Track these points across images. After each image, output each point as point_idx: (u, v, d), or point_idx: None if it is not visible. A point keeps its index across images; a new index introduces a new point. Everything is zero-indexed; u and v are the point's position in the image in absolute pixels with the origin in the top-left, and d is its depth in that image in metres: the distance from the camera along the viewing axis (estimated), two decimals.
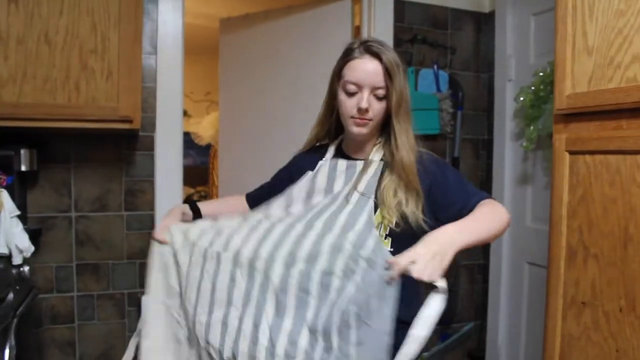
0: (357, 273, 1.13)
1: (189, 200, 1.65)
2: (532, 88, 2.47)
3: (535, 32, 2.64)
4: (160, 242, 1.40)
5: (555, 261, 1.53)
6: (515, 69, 2.76)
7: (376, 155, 1.44)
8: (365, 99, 1.34)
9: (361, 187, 1.36)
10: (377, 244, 1.19)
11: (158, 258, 1.41)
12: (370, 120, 1.37)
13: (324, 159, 1.52)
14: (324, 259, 1.18)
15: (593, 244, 1.40)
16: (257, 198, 1.62)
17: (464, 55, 2.92)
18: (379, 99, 1.36)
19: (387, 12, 2.68)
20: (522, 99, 2.53)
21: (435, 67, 2.79)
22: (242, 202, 1.69)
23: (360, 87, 1.35)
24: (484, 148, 2.99)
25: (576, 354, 1.45)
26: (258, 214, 1.41)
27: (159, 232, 1.41)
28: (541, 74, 2.42)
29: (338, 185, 1.41)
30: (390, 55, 1.35)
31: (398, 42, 2.72)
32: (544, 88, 2.41)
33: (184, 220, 1.48)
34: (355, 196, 1.34)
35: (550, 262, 1.55)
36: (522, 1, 2.70)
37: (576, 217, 1.46)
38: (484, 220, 1.27)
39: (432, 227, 1.22)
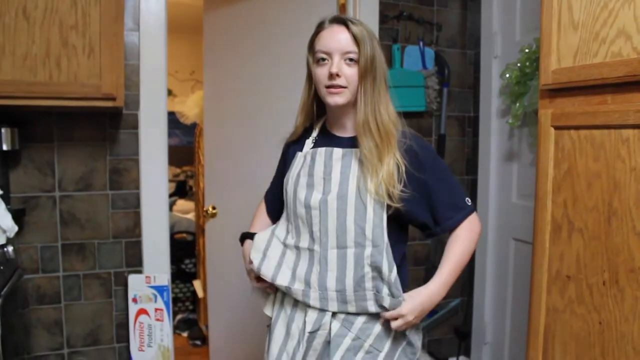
0: None
1: (245, 235, 1.64)
2: (518, 65, 2.47)
3: (521, 9, 2.63)
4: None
5: (540, 235, 1.54)
6: (501, 45, 2.75)
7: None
8: (335, 64, 1.35)
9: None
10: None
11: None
12: (344, 87, 1.36)
13: (311, 137, 1.52)
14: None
15: (578, 219, 1.41)
16: (270, 199, 1.71)
17: (449, 32, 2.91)
18: (350, 64, 1.36)
19: None
20: (507, 75, 2.53)
21: (421, 44, 2.78)
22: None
23: (330, 55, 1.36)
24: (470, 125, 3.00)
25: (560, 327, 1.47)
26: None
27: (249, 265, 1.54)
28: (527, 50, 2.42)
29: (336, 177, 1.40)
30: (360, 26, 1.37)
31: (384, 19, 2.70)
32: (530, 65, 2.40)
33: None
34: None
35: (535, 237, 1.56)
36: None
37: (561, 192, 1.47)
38: (460, 262, 1.48)
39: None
